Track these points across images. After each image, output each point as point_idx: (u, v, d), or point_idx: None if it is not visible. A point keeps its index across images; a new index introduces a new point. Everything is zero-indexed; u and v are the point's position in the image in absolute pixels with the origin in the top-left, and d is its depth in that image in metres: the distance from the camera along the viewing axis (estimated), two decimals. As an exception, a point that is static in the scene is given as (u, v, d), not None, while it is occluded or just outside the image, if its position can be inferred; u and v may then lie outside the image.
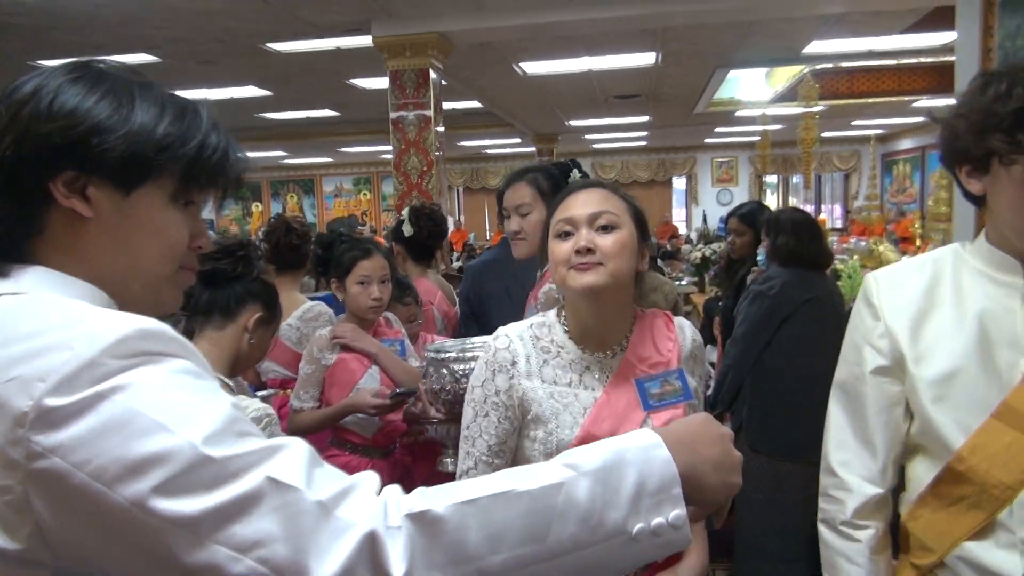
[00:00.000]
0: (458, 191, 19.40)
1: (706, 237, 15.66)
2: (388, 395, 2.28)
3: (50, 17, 5.66)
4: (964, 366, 1.16)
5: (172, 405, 0.66)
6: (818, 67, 8.51)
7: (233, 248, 1.74)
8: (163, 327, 0.71)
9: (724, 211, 17.84)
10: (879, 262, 8.66)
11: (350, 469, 2.29)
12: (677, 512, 0.72)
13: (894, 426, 1.29)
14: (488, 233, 19.00)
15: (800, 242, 2.88)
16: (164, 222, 0.84)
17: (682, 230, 18.03)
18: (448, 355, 1.93)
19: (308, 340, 2.71)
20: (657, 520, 0.71)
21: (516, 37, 6.49)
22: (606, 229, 1.38)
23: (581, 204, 1.41)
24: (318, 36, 6.47)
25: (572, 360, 1.42)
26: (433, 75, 6.07)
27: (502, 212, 2.21)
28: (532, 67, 8.07)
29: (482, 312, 2.84)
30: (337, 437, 2.41)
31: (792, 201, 19.44)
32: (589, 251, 1.35)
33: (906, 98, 10.21)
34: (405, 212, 3.20)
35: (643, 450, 0.73)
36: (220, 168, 0.87)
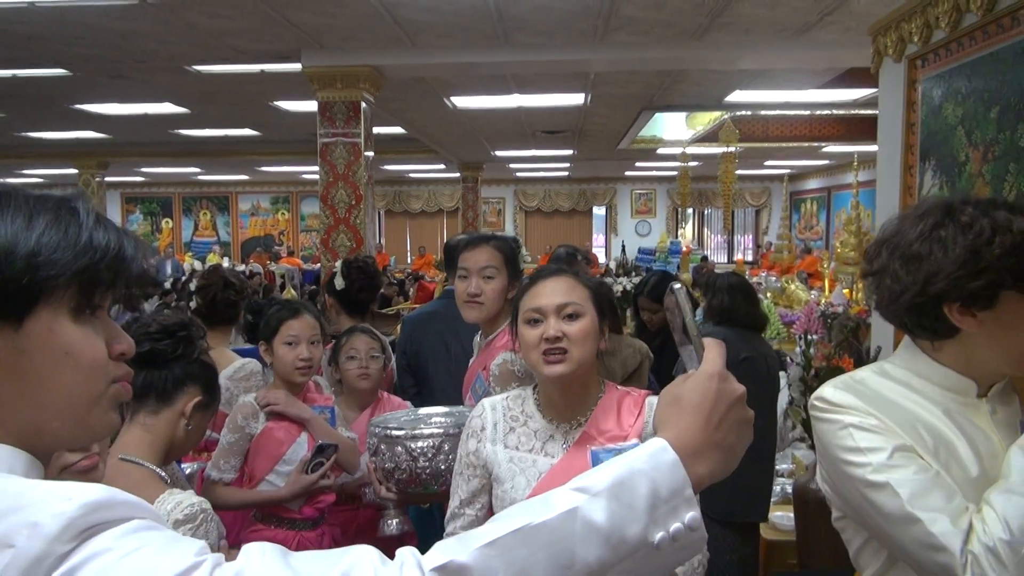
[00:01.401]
0: (380, 213, 19.17)
1: (624, 267, 16.02)
2: (311, 454, 2.18)
3: (-49, 27, 5.28)
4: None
5: (136, 569, 0.60)
6: (738, 113, 8.84)
7: (173, 328, 1.62)
8: (109, 495, 0.63)
9: (642, 242, 18.30)
10: (791, 300, 9.03)
11: (275, 543, 2.20)
12: (692, 514, 0.71)
13: None
14: (409, 256, 18.83)
15: (735, 303, 2.95)
16: (72, 343, 0.71)
17: (601, 258, 18.36)
18: (402, 432, 1.85)
19: (238, 400, 2.57)
20: (675, 525, 0.70)
21: (448, 73, 6.47)
22: (572, 318, 1.53)
23: (549, 293, 1.55)
24: (246, 62, 6.27)
25: (537, 429, 1.57)
26: (364, 106, 5.97)
27: (457, 270, 2.17)
28: (462, 101, 8.06)
29: (418, 365, 2.78)
30: (261, 511, 2.26)
31: (706, 232, 20.10)
32: (557, 339, 1.50)
33: (816, 144, 10.74)
34: (338, 265, 3.10)
35: (650, 458, 0.72)
36: (117, 267, 0.74)
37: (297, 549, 2.13)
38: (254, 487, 2.22)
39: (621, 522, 0.69)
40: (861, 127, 9.62)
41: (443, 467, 1.80)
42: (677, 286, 0.86)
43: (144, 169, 15.82)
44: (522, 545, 0.67)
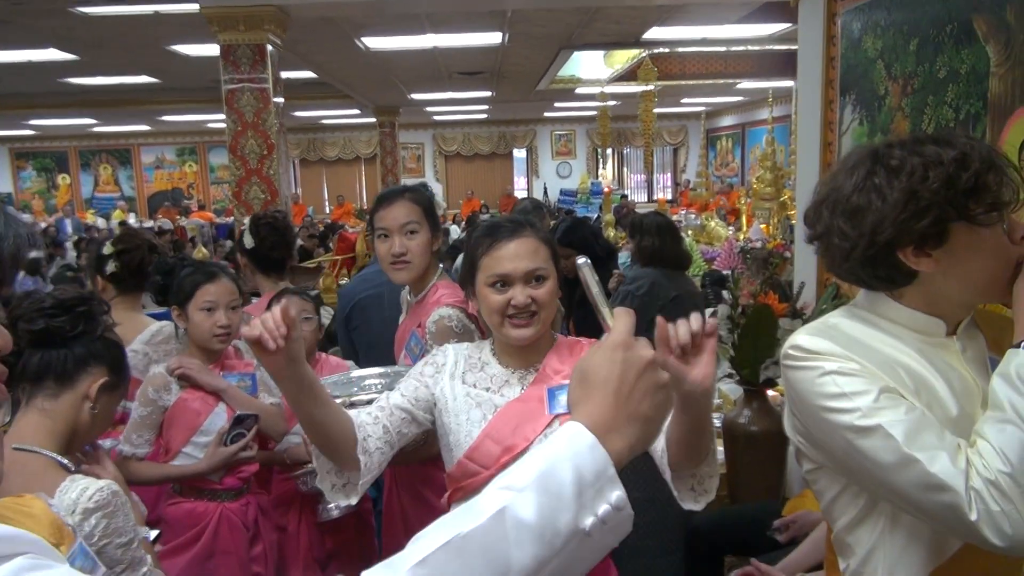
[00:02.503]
0: (295, 163, 18.50)
1: (549, 209, 16.04)
2: (231, 423, 2.08)
3: None
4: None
5: None
6: (655, 51, 8.81)
7: (71, 303, 1.46)
8: None
9: (564, 184, 18.31)
10: (711, 237, 9.22)
11: (196, 516, 2.09)
12: (618, 493, 0.69)
13: None
14: (327, 206, 18.33)
15: (664, 243, 2.94)
16: None
17: (523, 202, 18.31)
18: (339, 400, 1.75)
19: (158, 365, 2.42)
20: (603, 508, 0.68)
21: (359, 12, 6.16)
22: (538, 280, 1.52)
23: (515, 258, 1.52)
24: (137, 2, 5.81)
25: (494, 375, 1.56)
26: (271, 49, 5.63)
27: (374, 232, 2.05)
28: (374, 42, 7.73)
29: (355, 333, 2.64)
30: (180, 483, 2.15)
31: (626, 172, 20.27)
32: (527, 305, 1.49)
33: (732, 80, 10.84)
34: (246, 222, 2.91)
35: (569, 443, 0.70)
36: None
37: (219, 521, 2.05)
38: (170, 460, 2.10)
39: (551, 514, 0.66)
40: (776, 63, 9.74)
41: None
42: (581, 260, 0.83)
43: (33, 122, 14.74)
44: (455, 558, 0.64)
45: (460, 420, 1.51)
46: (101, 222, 15.14)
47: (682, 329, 1.08)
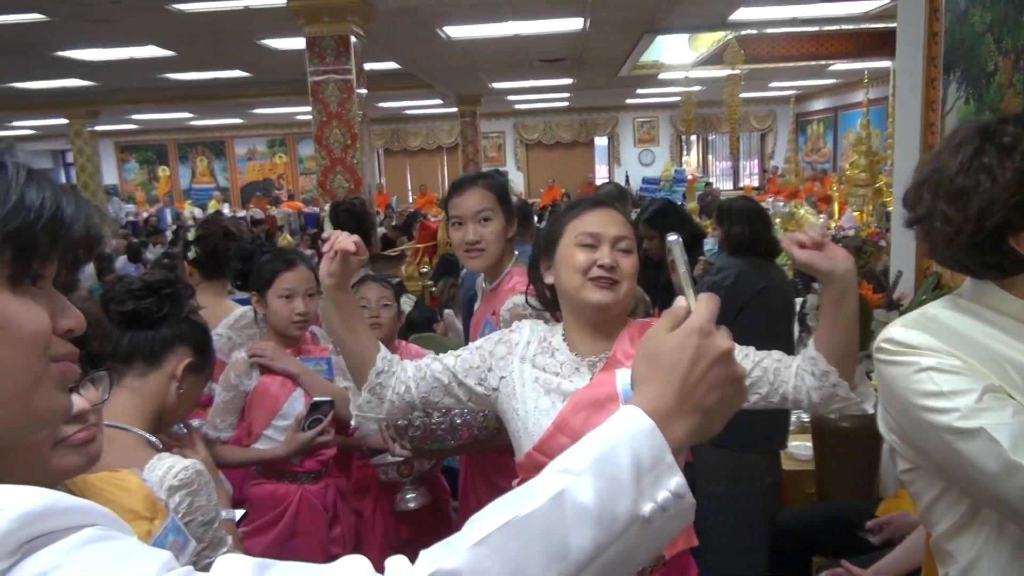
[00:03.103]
0: (378, 153, 18.86)
1: (631, 198, 15.80)
2: (307, 409, 2.11)
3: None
4: None
5: None
6: (742, 32, 8.53)
7: (157, 286, 1.51)
8: (50, 502, 0.54)
9: (646, 172, 18.02)
10: (800, 225, 8.88)
11: (277, 497, 2.12)
12: (677, 480, 0.68)
13: None
14: (410, 196, 18.62)
15: (754, 231, 2.81)
16: (10, 315, 0.63)
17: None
18: None
19: (241, 349, 2.49)
20: (663, 495, 0.67)
21: (440, 2, 6.19)
22: (626, 252, 1.49)
23: (605, 223, 1.50)
24: (227, -3, 6.02)
25: (563, 362, 1.52)
26: (354, 40, 5.73)
27: (449, 220, 2.04)
28: (456, 31, 7.76)
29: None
30: (263, 466, 2.21)
31: (711, 159, 19.79)
32: (612, 267, 1.46)
33: (824, 62, 10.40)
34: (326, 208, 2.96)
35: (627, 427, 0.69)
36: (56, 229, 0.66)
37: (300, 503, 2.09)
38: (253, 442, 2.16)
39: (610, 499, 0.65)
40: (871, 42, 9.28)
41: (459, 421, 1.71)
42: (673, 237, 0.79)
43: (136, 116, 15.51)
44: (513, 539, 0.63)
45: (528, 408, 1.48)
46: (198, 212, 15.82)
47: (812, 231, 1.28)
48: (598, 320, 1.50)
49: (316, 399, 2.11)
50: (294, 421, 2.11)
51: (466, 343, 2.58)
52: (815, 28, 8.98)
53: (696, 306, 0.75)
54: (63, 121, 12.67)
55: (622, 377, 1.44)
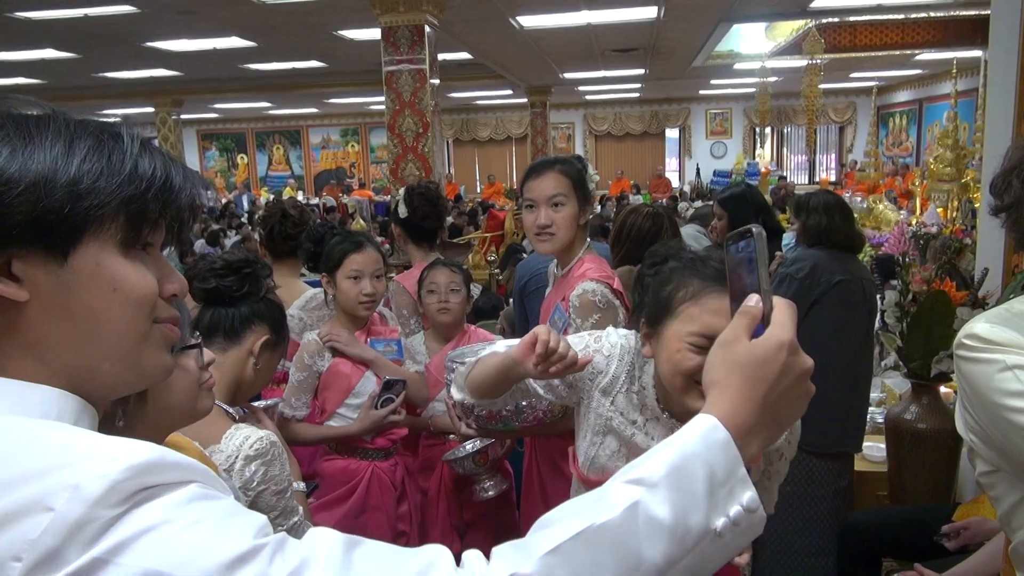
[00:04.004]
0: (448, 143, 19.03)
1: (699, 191, 15.52)
2: (380, 388, 2.17)
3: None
4: None
5: (189, 553, 0.54)
6: (823, 21, 8.26)
7: (239, 265, 1.57)
8: (157, 456, 0.57)
9: (718, 164, 17.68)
10: (879, 221, 8.57)
11: (349, 473, 2.19)
12: (749, 495, 0.68)
13: None
14: (478, 186, 18.73)
15: (833, 223, 2.72)
16: (122, 277, 0.66)
17: (674, 182, 17.86)
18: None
19: (311, 330, 2.57)
20: (735, 509, 0.67)
21: (514, -10, 6.20)
22: (701, 349, 1.22)
23: (722, 314, 1.18)
24: (306, -12, 6.16)
25: (645, 406, 1.38)
26: (428, 30, 5.79)
27: (523, 202, 2.05)
28: (529, 21, 7.76)
29: (529, 307, 2.66)
30: (336, 441, 2.28)
31: (786, 152, 19.26)
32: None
33: (909, 51, 9.99)
34: (401, 192, 3.01)
35: (703, 438, 0.69)
36: (166, 197, 0.68)
37: (371, 479, 2.13)
38: (326, 419, 2.23)
39: (683, 512, 0.65)
40: (961, 30, 8.87)
41: (524, 403, 1.72)
42: (757, 229, 0.73)
43: (217, 105, 16.04)
44: (586, 550, 0.64)
45: (594, 440, 1.39)
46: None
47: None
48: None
49: (389, 378, 2.17)
50: (368, 399, 2.17)
51: (520, 330, 2.60)
52: (901, 16, 8.64)
53: (780, 316, 0.72)
54: (150, 110, 13.20)
55: None
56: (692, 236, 4.27)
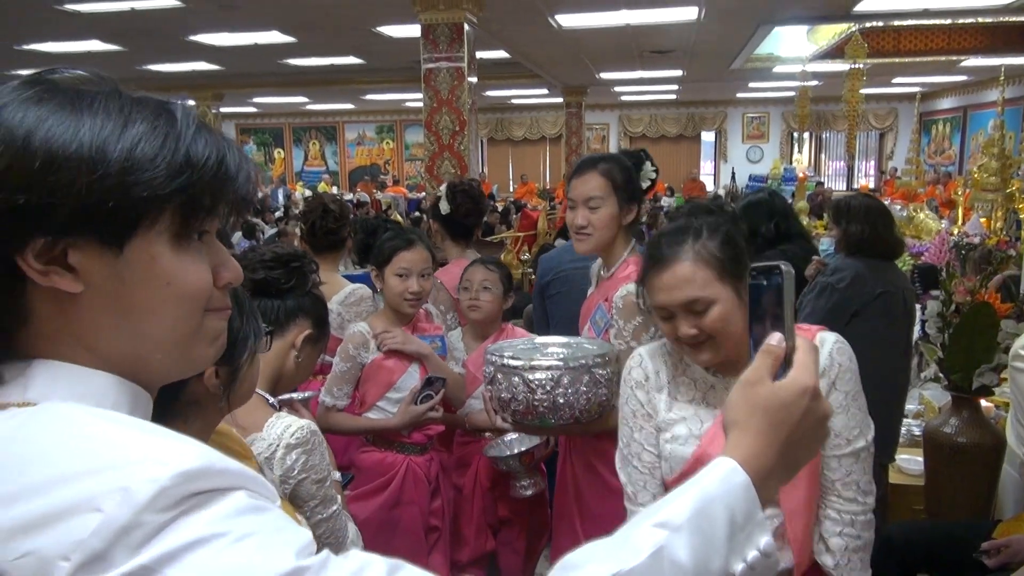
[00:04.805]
0: (482, 142, 19.07)
1: (734, 195, 15.36)
2: (421, 385, 2.20)
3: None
4: None
5: (233, 571, 0.53)
6: (867, 25, 8.12)
7: (287, 258, 1.59)
8: (207, 463, 0.56)
9: (754, 169, 17.49)
10: (919, 230, 8.41)
11: (385, 465, 2.21)
12: (766, 539, 0.68)
13: None
14: (511, 185, 18.74)
15: (875, 231, 2.68)
16: (177, 271, 0.64)
17: (709, 186, 17.70)
18: (520, 363, 1.78)
19: (350, 325, 2.59)
20: (752, 554, 0.67)
21: (554, -11, 6.19)
22: (703, 313, 1.35)
23: (668, 288, 1.37)
24: (347, -16, 6.21)
25: (697, 379, 1.46)
26: (467, 28, 5.81)
27: (568, 200, 2.05)
28: (567, 20, 7.74)
29: (550, 304, 2.66)
30: (372, 433, 2.30)
31: (823, 158, 18.99)
32: (695, 335, 1.36)
33: (955, 57, 9.79)
34: (442, 188, 3.03)
35: (723, 481, 0.69)
36: (221, 183, 0.65)
37: (406, 472, 2.16)
38: (365, 411, 2.25)
39: (705, 557, 0.66)
40: (1009, 37, 8.67)
41: (561, 400, 1.73)
42: (786, 268, 0.72)
43: (256, 100, 16.24)
44: None
45: (667, 436, 1.44)
46: (308, 193, 16.44)
47: None
48: (714, 356, 1.39)
49: (431, 375, 2.19)
50: (409, 394, 2.19)
51: (539, 329, 2.59)
52: (948, 21, 8.46)
53: (804, 359, 0.73)
54: (191, 103, 13.41)
55: None
56: None
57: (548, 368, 1.74)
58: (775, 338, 0.73)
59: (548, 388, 1.72)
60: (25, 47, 9.06)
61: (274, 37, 8.68)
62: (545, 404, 1.73)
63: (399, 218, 8.42)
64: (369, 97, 15.82)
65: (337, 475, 1.66)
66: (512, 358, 1.80)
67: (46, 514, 0.51)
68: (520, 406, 1.76)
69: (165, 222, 0.62)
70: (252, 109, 18.49)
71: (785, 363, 0.72)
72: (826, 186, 15.41)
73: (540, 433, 2.07)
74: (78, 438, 0.56)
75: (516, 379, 1.76)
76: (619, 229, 1.95)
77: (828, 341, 1.41)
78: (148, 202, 0.61)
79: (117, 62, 10.04)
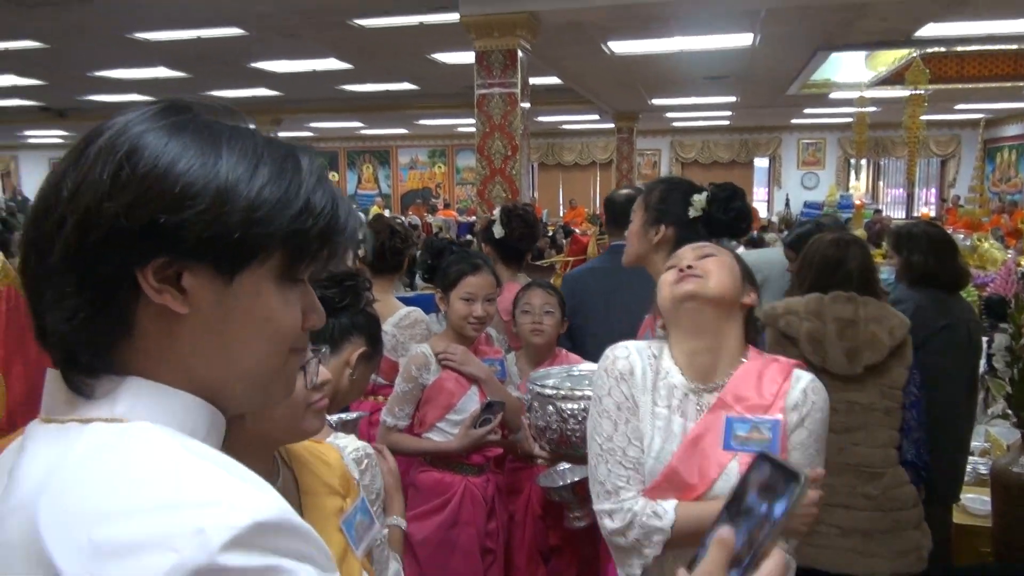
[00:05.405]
0: (532, 167, 19.17)
1: (788, 223, 15.09)
2: (481, 409, 2.21)
3: (143, -9, 5.68)
4: None
5: None
6: (928, 50, 7.95)
7: (342, 277, 1.61)
8: (283, 516, 0.57)
9: (809, 195, 17.17)
10: (983, 260, 8.13)
11: (443, 486, 2.22)
12: None
13: None
14: (561, 210, 18.76)
15: (939, 261, 2.59)
16: (274, 309, 0.67)
17: (762, 212, 17.44)
18: (556, 392, 1.77)
19: (404, 347, 2.61)
20: None
21: (608, 16, 6.22)
22: (707, 256, 1.50)
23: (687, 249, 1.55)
24: (404, 13, 6.33)
25: (674, 385, 1.47)
26: (521, 55, 5.86)
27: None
28: (620, 47, 7.76)
29: (574, 325, 2.67)
30: (431, 454, 2.31)
31: (881, 185, 18.56)
32: (690, 267, 1.47)
33: (1021, 83, 9.50)
34: (496, 212, 3.04)
35: None
36: (330, 234, 0.68)
37: (463, 494, 2.18)
38: (424, 431, 2.27)
39: None
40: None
41: None
42: (805, 478, 0.68)
43: (313, 124, 16.64)
44: None
45: (643, 445, 1.46)
46: (361, 216, 16.69)
47: None
48: (696, 325, 1.46)
49: (490, 399, 2.20)
50: (469, 417, 2.20)
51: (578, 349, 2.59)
52: (1014, 46, 8.24)
53: (773, 571, 0.69)
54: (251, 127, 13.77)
55: (727, 422, 1.40)
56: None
57: (580, 398, 1.73)
58: (726, 531, 0.70)
59: (580, 419, 1.71)
60: (97, 74, 9.47)
61: (332, 64, 8.90)
62: (578, 434, 1.72)
63: (452, 239, 8.49)
64: (422, 122, 16.07)
65: (400, 522, 1.65)
66: (546, 386, 1.79)
67: (120, 545, 0.52)
68: (555, 435, 1.75)
69: (275, 261, 0.65)
70: (309, 134, 18.93)
71: (751, 565, 0.68)
72: (884, 214, 15.04)
73: (578, 462, 2.05)
74: (162, 468, 0.57)
75: (550, 408, 1.76)
76: (651, 246, 1.97)
77: (804, 378, 1.46)
78: (266, 240, 0.64)
79: (182, 88, 10.41)
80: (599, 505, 1.45)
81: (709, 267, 1.46)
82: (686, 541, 1.37)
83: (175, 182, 0.60)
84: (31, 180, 21.81)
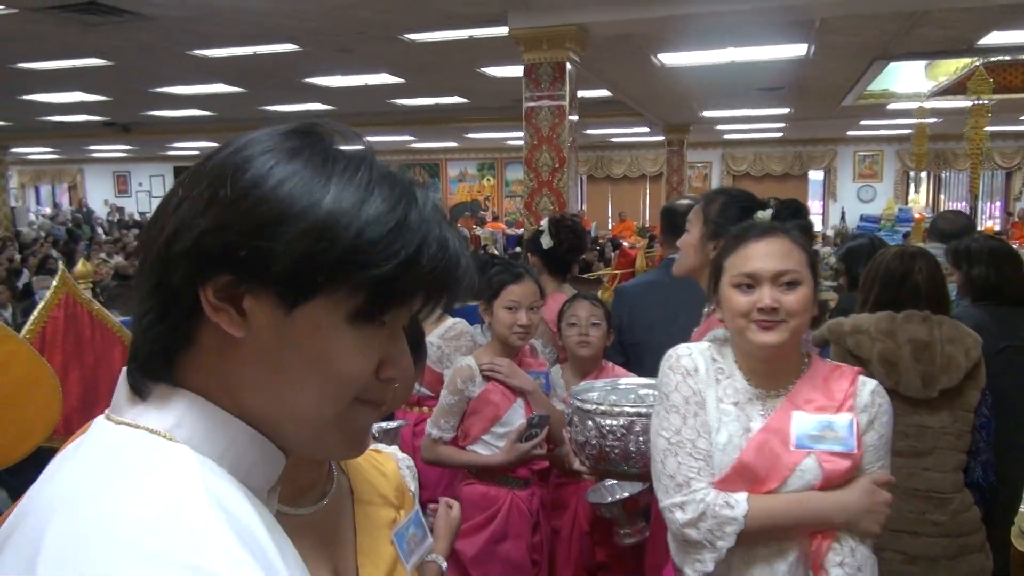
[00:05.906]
0: (581, 179, 19.13)
1: (843, 236, 14.73)
2: (527, 422, 2.19)
3: (198, 9, 5.84)
4: None
5: None
6: (992, 59, 7.70)
7: None
8: None
9: (865, 209, 16.75)
10: (1051, 276, 7.81)
11: (488, 499, 2.20)
12: None
13: None
14: (610, 223, 18.67)
15: (1001, 274, 2.48)
16: (338, 349, 0.61)
17: (817, 226, 17.06)
18: (596, 407, 1.74)
19: (448, 359, 2.61)
20: None
21: (657, 28, 6.18)
22: (790, 286, 1.42)
23: (763, 258, 1.43)
24: (453, 27, 6.39)
25: (737, 388, 1.46)
26: (569, 67, 5.86)
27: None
28: (670, 59, 7.70)
29: (633, 342, 2.61)
30: (476, 468, 2.30)
31: (942, 199, 18.01)
32: (774, 309, 1.39)
33: (1092, 93, 9.12)
34: (544, 223, 3.03)
35: None
36: (437, 278, 0.62)
37: (509, 507, 2.17)
38: (469, 444, 2.26)
39: None
40: None
41: (632, 448, 1.68)
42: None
43: (364, 138, 16.88)
44: None
45: (710, 439, 1.45)
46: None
47: None
48: (769, 357, 1.44)
49: (536, 413, 2.18)
50: (514, 432, 2.19)
51: (629, 366, 2.56)
52: (1084, 54, 7.92)
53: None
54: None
55: (798, 421, 1.39)
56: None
57: (619, 414, 1.69)
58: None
59: (619, 435, 1.68)
60: (158, 89, 9.78)
61: (384, 79, 9.03)
62: (616, 451, 1.69)
63: (495, 253, 8.52)
64: (471, 135, 16.19)
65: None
66: (587, 400, 1.76)
67: None
68: (594, 451, 1.72)
69: (347, 298, 0.60)
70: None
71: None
72: (945, 228, 14.56)
73: (617, 478, 2.01)
74: (167, 512, 0.53)
75: (590, 423, 1.73)
76: (703, 256, 1.94)
77: (869, 383, 1.47)
78: (346, 275, 0.59)
79: (239, 103, 10.69)
80: (668, 499, 1.43)
81: (792, 307, 1.40)
82: (757, 537, 1.36)
83: (269, 209, 0.57)
84: (96, 193, 22.65)
